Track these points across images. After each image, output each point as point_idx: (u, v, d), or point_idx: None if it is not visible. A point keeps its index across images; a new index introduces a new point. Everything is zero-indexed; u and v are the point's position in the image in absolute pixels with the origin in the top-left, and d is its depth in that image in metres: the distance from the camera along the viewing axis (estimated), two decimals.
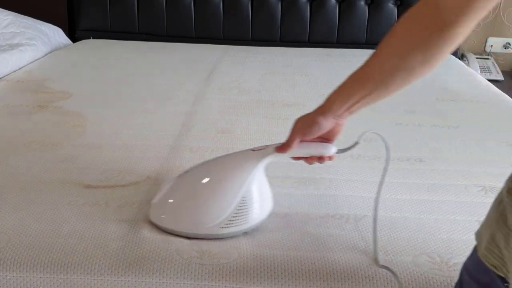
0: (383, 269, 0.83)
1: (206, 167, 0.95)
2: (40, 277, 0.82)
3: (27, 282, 0.82)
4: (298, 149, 0.87)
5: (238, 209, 0.89)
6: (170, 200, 0.92)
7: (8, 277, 0.82)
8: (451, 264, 0.85)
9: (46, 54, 2.30)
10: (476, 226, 0.66)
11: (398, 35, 0.75)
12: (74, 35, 2.69)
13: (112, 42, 2.55)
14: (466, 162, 1.25)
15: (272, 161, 0.91)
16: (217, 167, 0.94)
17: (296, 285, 0.81)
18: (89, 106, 1.60)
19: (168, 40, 2.61)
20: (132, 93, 1.76)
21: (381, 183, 0.89)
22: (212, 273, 0.82)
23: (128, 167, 1.17)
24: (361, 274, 0.83)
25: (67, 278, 0.82)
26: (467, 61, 2.62)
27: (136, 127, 1.44)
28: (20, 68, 2.04)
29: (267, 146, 0.91)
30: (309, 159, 0.91)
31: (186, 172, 0.96)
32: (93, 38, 2.63)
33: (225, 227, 0.88)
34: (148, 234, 0.91)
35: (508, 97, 1.82)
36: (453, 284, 0.80)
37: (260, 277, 0.82)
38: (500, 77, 2.56)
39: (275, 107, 1.63)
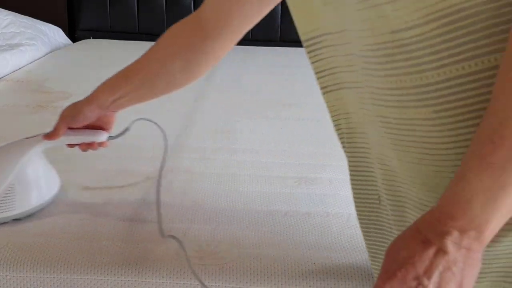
0: (170, 239, 0.85)
1: None
2: (40, 276, 0.82)
3: (27, 282, 0.82)
4: (67, 136, 0.91)
5: (5, 196, 0.90)
6: None
7: (8, 276, 0.82)
8: None
9: (46, 54, 2.30)
10: None
11: (164, 40, 0.82)
12: (74, 35, 2.69)
13: (112, 42, 2.55)
14: None
15: (46, 147, 0.94)
16: None
17: (296, 285, 0.81)
18: None
19: None
20: None
21: (161, 168, 0.96)
22: (212, 273, 0.82)
23: (127, 167, 1.17)
24: (362, 273, 0.83)
25: (67, 278, 0.82)
26: None
27: (136, 127, 1.43)
28: (20, 68, 2.04)
29: (39, 134, 0.95)
30: (81, 146, 0.94)
31: None
32: (93, 38, 2.63)
33: None
34: (148, 234, 0.91)
35: None
36: None
37: (260, 277, 0.82)
38: None
39: (275, 107, 1.63)
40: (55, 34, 2.55)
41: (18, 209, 0.92)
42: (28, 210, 0.93)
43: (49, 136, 0.91)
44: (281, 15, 2.57)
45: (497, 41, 0.46)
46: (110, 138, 0.95)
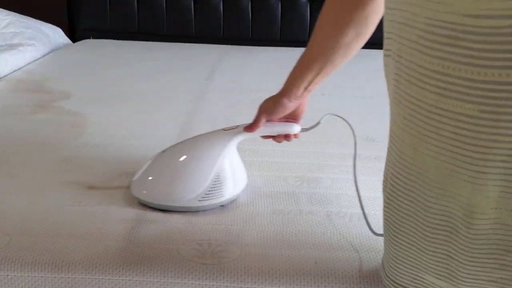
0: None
1: (181, 146, 1.03)
2: (42, 276, 0.82)
3: (28, 281, 0.82)
4: (265, 128, 0.96)
5: (214, 184, 0.96)
6: (150, 177, 1.00)
7: (10, 276, 0.82)
8: None
9: (46, 54, 2.30)
10: None
11: (329, 17, 0.83)
12: (74, 35, 2.69)
13: (112, 42, 2.55)
14: None
15: (243, 139, 0.99)
16: (192, 146, 1.01)
17: (297, 284, 0.81)
18: (89, 106, 1.60)
19: (168, 40, 2.61)
20: (132, 93, 1.76)
21: (354, 165, 0.96)
22: (213, 273, 0.82)
23: (129, 167, 1.17)
24: (365, 273, 0.83)
25: (68, 277, 0.82)
26: None
27: (136, 127, 1.44)
28: (20, 68, 2.04)
29: (237, 126, 0.99)
30: (276, 138, 0.98)
31: (163, 151, 1.02)
32: (93, 38, 2.63)
33: (202, 200, 0.96)
34: (150, 234, 0.91)
35: None
36: None
37: (262, 277, 0.82)
38: None
39: None
40: (55, 34, 2.54)
41: (225, 196, 0.98)
42: (231, 198, 1.00)
43: (250, 127, 0.96)
44: (281, 15, 2.57)
45: None
46: (303, 130, 0.99)
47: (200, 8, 2.59)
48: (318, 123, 0.99)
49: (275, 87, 1.97)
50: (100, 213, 0.97)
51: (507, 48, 0.47)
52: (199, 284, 0.81)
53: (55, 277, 0.82)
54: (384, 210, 0.67)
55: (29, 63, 2.12)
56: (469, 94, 0.50)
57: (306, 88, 0.90)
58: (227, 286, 0.81)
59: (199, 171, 0.97)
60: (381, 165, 1.14)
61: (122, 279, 0.81)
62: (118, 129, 1.41)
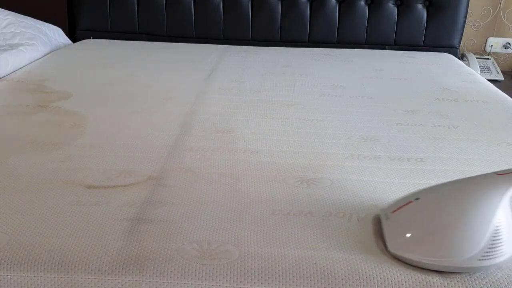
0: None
1: (446, 193, 0.89)
2: (41, 276, 0.82)
3: (27, 281, 0.82)
4: None
5: (493, 240, 0.82)
6: (414, 232, 0.86)
7: (9, 276, 0.82)
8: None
9: (46, 54, 2.30)
10: None
11: None
12: (74, 35, 2.69)
13: (112, 42, 2.55)
14: (466, 162, 1.25)
15: None
16: (462, 193, 0.86)
17: (297, 285, 0.81)
18: (89, 106, 1.60)
19: (168, 40, 2.61)
20: (132, 93, 1.76)
21: None
22: (213, 273, 0.82)
23: (129, 167, 1.17)
24: (364, 274, 0.83)
25: (67, 277, 0.82)
26: (467, 61, 2.62)
27: (136, 127, 1.44)
28: (20, 68, 2.04)
29: None
30: None
31: (416, 199, 0.90)
32: (93, 38, 2.63)
33: (482, 259, 0.82)
34: (149, 234, 0.91)
35: (508, 97, 1.82)
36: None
37: (262, 277, 0.82)
38: (500, 77, 2.56)
39: (275, 107, 1.63)
40: (55, 34, 2.55)
41: (505, 255, 0.83)
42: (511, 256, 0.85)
43: None
44: (281, 15, 2.57)
45: None
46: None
47: (200, 8, 2.59)
48: None
49: (275, 87, 1.98)
50: (100, 212, 0.97)
51: None
52: (198, 284, 0.81)
53: (54, 277, 0.82)
54: None
55: (29, 63, 2.12)
56: None
57: None
58: (226, 286, 0.81)
59: (476, 224, 0.82)
60: (380, 165, 1.16)
61: (122, 279, 0.81)
62: (118, 129, 1.41)
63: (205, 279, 0.81)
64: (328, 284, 0.81)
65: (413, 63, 2.30)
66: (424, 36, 2.55)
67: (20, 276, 0.82)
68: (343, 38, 2.58)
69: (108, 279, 0.81)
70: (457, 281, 0.82)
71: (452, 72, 2.16)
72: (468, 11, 2.56)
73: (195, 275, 0.82)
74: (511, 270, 0.84)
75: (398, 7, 2.54)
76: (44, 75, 1.94)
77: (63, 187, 1.07)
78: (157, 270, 0.82)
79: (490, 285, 0.82)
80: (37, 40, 2.30)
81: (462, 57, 2.69)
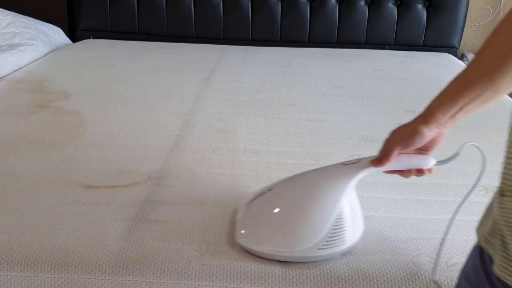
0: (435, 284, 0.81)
1: (294, 184, 0.89)
2: (41, 276, 0.82)
3: (28, 281, 0.82)
4: (395, 162, 0.80)
5: (335, 229, 0.82)
6: (259, 222, 0.87)
7: (9, 276, 0.82)
8: (450, 264, 0.85)
9: (46, 54, 2.30)
10: (475, 225, 0.66)
11: (504, 32, 0.68)
12: (74, 35, 2.69)
13: (112, 42, 2.55)
14: (466, 162, 1.25)
15: (366, 175, 0.84)
16: (307, 184, 0.87)
17: (297, 285, 0.81)
18: (89, 106, 1.60)
19: (168, 40, 2.61)
20: (132, 93, 1.76)
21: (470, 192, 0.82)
22: (212, 273, 0.82)
23: (129, 167, 1.17)
24: (364, 274, 0.83)
25: (67, 277, 0.82)
26: (467, 61, 2.62)
27: (136, 127, 1.44)
28: (20, 68, 2.04)
29: (359, 160, 0.85)
30: (405, 173, 0.83)
31: (270, 190, 0.90)
32: (93, 38, 2.63)
33: (322, 249, 0.82)
34: (149, 234, 0.91)
35: (508, 96, 1.82)
36: (453, 284, 0.80)
37: (261, 277, 0.82)
38: None
39: (275, 107, 1.63)
40: (55, 34, 2.55)
41: (347, 243, 0.84)
42: (354, 244, 0.86)
43: (379, 161, 0.80)
44: (281, 15, 2.57)
45: None
46: (439, 163, 0.83)
47: (200, 8, 2.59)
48: (457, 154, 0.82)
49: (274, 87, 1.98)
50: (100, 213, 0.97)
51: None
52: (198, 284, 0.81)
53: (54, 277, 0.82)
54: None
55: (29, 63, 2.12)
56: None
57: (453, 116, 0.76)
58: (226, 286, 0.81)
59: (318, 215, 0.82)
60: None
61: (122, 279, 0.81)
62: (118, 129, 1.41)
63: (205, 279, 0.81)
64: (328, 284, 0.81)
65: (413, 63, 2.30)
66: (424, 36, 2.55)
67: (20, 276, 0.82)
68: (343, 38, 2.58)
69: (108, 279, 0.81)
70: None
71: (451, 72, 2.15)
72: (468, 11, 2.56)
73: (195, 275, 0.82)
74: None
75: (398, 7, 2.53)
76: (44, 75, 1.94)
77: (63, 187, 1.07)
78: (157, 270, 0.82)
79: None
80: (37, 40, 2.30)
81: (462, 57, 2.69)
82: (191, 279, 0.82)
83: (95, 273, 0.82)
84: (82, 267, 0.82)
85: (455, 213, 0.82)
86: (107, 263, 0.83)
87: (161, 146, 1.31)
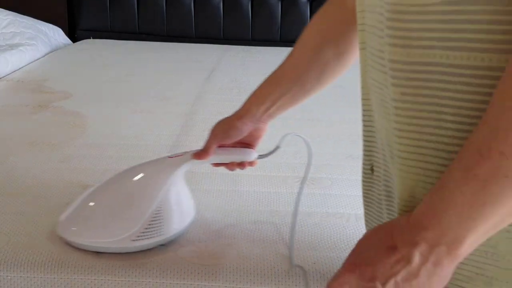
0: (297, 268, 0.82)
1: (118, 178, 0.90)
2: (41, 277, 0.82)
3: (27, 282, 0.82)
4: (217, 155, 0.85)
5: (152, 221, 0.83)
6: (80, 213, 0.87)
7: (9, 277, 0.82)
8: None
9: (46, 54, 2.30)
10: None
11: (311, 31, 0.76)
12: (74, 35, 2.69)
13: (112, 42, 2.55)
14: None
15: (190, 168, 0.87)
16: (130, 177, 0.88)
17: (296, 285, 0.81)
18: (89, 106, 1.60)
19: (168, 40, 2.61)
20: (132, 93, 1.76)
21: (303, 182, 0.87)
22: (212, 273, 0.82)
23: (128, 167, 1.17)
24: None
25: (67, 278, 0.82)
26: None
27: (136, 127, 1.44)
28: (20, 68, 2.04)
29: (184, 153, 0.88)
30: (229, 165, 0.87)
31: (98, 186, 0.91)
32: (93, 38, 2.63)
33: (136, 240, 0.82)
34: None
35: None
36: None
37: (260, 277, 0.82)
38: None
39: None
40: (55, 34, 2.55)
41: (165, 234, 0.85)
42: (174, 235, 0.87)
43: (199, 155, 0.84)
44: (281, 15, 2.57)
45: (494, 41, 0.43)
46: (260, 156, 0.87)
47: (200, 8, 2.59)
48: (277, 148, 0.87)
49: None
50: None
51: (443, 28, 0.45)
52: (198, 284, 0.81)
53: (54, 277, 0.82)
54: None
55: (29, 63, 2.12)
56: (415, 79, 0.48)
57: (267, 111, 0.80)
58: (226, 286, 0.81)
59: (136, 207, 0.83)
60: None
61: (121, 279, 0.81)
62: (118, 129, 1.41)
63: (205, 279, 0.81)
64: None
65: None
66: None
67: (20, 276, 0.82)
68: None
69: (108, 279, 0.81)
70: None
71: None
72: None
73: (195, 275, 0.82)
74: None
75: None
76: (44, 75, 1.94)
77: (62, 187, 1.06)
78: (156, 270, 0.82)
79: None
80: (37, 40, 2.31)
81: None
82: (191, 279, 0.82)
83: (95, 273, 0.82)
84: (82, 267, 0.82)
85: (296, 203, 0.85)
86: (107, 264, 0.83)
87: (161, 146, 1.31)
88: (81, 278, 0.81)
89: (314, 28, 0.76)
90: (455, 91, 0.46)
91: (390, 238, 0.46)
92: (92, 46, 2.47)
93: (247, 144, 0.86)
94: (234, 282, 0.81)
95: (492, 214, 0.41)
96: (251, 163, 0.87)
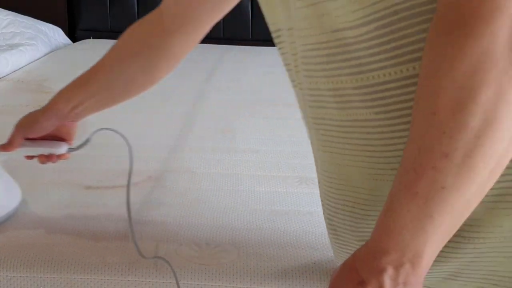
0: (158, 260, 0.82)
1: None
2: (40, 277, 0.82)
3: (28, 281, 0.82)
4: (24, 147, 0.84)
5: None
6: None
7: (9, 277, 0.82)
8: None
9: (46, 54, 2.30)
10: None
11: (124, 38, 0.76)
12: (74, 35, 2.69)
13: (112, 42, 2.54)
14: None
15: (2, 159, 0.88)
16: None
17: (296, 284, 0.81)
18: None
19: None
20: None
21: (129, 176, 0.88)
22: (212, 273, 0.82)
23: (128, 167, 1.17)
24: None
25: (67, 278, 0.82)
26: None
27: (136, 127, 1.44)
28: (20, 68, 2.04)
29: None
30: (40, 158, 0.85)
31: None
32: (93, 38, 2.63)
33: None
34: (148, 234, 0.91)
35: None
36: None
37: (260, 277, 0.82)
38: None
39: (275, 107, 1.63)
40: (55, 34, 2.55)
41: None
42: None
43: (3, 147, 0.84)
44: None
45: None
46: (70, 150, 0.88)
47: None
48: (87, 141, 0.87)
49: (274, 87, 1.98)
50: (98, 213, 0.97)
51: (376, 50, 0.47)
52: (198, 284, 0.81)
53: (54, 277, 0.82)
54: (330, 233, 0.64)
55: (29, 63, 2.12)
56: (365, 100, 0.49)
57: (73, 109, 0.80)
58: (226, 286, 0.81)
59: None
60: None
61: (121, 280, 0.81)
62: (118, 129, 1.41)
63: (204, 279, 0.81)
64: (327, 283, 0.81)
65: None
66: None
67: (20, 276, 0.82)
68: None
69: (108, 279, 0.81)
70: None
71: None
72: None
73: (195, 275, 0.82)
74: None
75: None
76: (44, 75, 1.94)
77: (62, 188, 1.06)
78: (156, 270, 0.82)
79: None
80: (37, 40, 2.31)
81: None
82: (191, 279, 0.82)
83: (94, 273, 0.82)
84: (81, 267, 0.82)
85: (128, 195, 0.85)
86: (106, 264, 0.83)
87: (161, 146, 1.31)
88: (81, 278, 0.82)
89: (128, 35, 0.77)
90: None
91: (356, 274, 0.47)
92: (92, 46, 2.47)
93: (59, 138, 0.85)
94: (234, 282, 0.81)
95: (441, 223, 0.43)
96: (60, 156, 0.86)
